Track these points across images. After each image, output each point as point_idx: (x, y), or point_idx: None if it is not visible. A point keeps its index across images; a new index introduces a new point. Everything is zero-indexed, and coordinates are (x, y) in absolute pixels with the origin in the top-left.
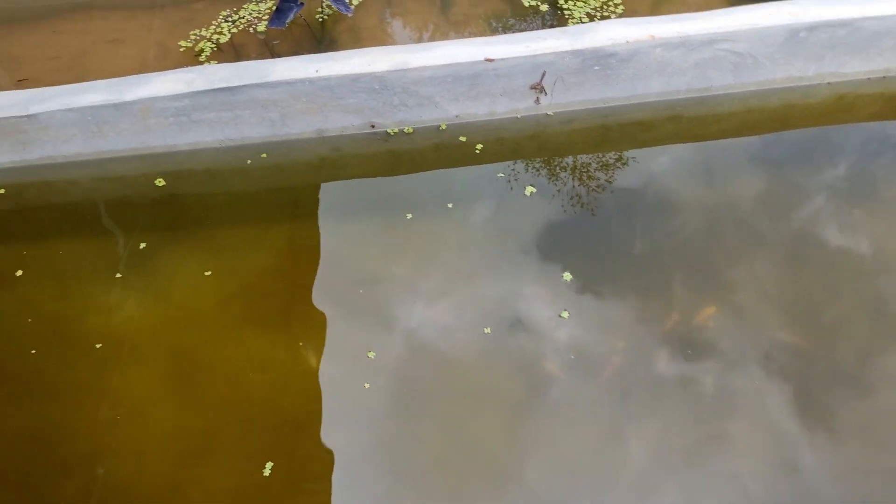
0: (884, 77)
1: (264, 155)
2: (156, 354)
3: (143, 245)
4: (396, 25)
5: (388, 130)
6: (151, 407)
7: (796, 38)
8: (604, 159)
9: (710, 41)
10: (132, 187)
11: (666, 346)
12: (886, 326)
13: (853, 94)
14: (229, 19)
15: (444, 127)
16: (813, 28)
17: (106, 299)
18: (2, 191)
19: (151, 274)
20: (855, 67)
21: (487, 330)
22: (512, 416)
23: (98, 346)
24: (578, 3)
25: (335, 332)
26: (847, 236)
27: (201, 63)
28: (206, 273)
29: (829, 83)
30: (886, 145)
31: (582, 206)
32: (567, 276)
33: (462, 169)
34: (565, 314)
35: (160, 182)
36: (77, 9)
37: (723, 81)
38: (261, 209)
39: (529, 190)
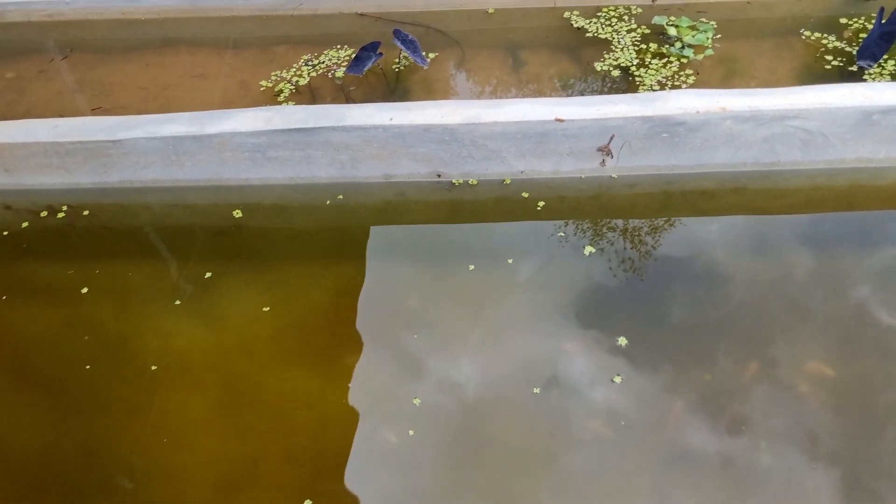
0: None
1: (339, 196)
2: (207, 381)
3: (207, 274)
4: (468, 80)
5: (454, 181)
6: (198, 432)
7: (869, 120)
8: (664, 225)
9: (781, 117)
10: (202, 216)
11: (706, 415)
12: None
13: None
14: (310, 63)
15: (508, 181)
16: (887, 112)
17: (165, 323)
18: (85, 212)
19: (211, 301)
20: None
21: (537, 390)
22: (552, 475)
23: (153, 367)
24: (650, 71)
25: (383, 375)
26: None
27: (280, 102)
28: (263, 306)
29: None
30: None
31: (638, 271)
32: (622, 340)
33: (522, 223)
34: (618, 378)
35: (237, 213)
36: (168, 44)
37: (791, 157)
38: (322, 247)
39: (588, 250)
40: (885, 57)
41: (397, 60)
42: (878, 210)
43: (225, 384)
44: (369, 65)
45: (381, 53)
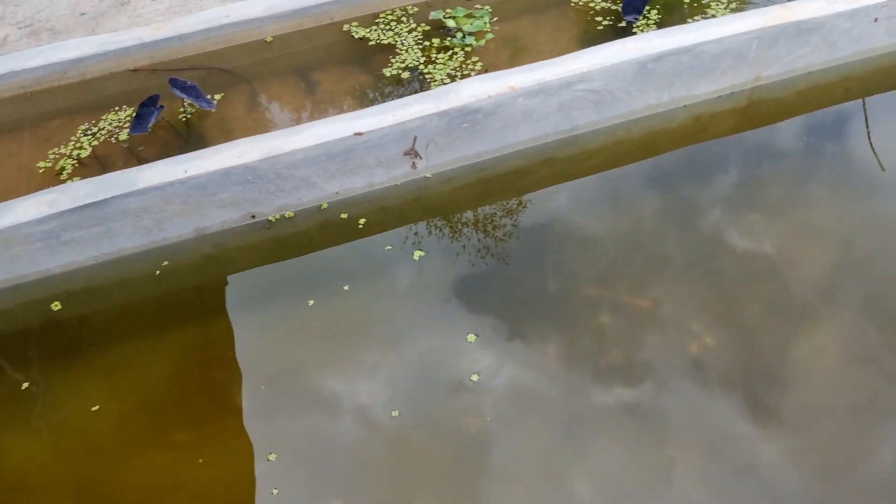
0: (731, 93)
1: (160, 263)
2: (57, 494)
3: (25, 384)
4: (265, 112)
5: (270, 218)
6: None
7: (645, 69)
8: (490, 210)
9: (567, 84)
10: (7, 321)
11: (595, 377)
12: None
13: (708, 113)
14: (89, 132)
15: (325, 206)
16: (659, 58)
17: None
18: None
19: (40, 408)
20: (704, 88)
21: (395, 413)
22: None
23: None
24: (438, 66)
25: (242, 433)
26: (727, 237)
27: (63, 181)
28: (100, 396)
29: (684, 106)
30: (749, 154)
31: (478, 260)
32: (471, 337)
33: (352, 244)
34: (475, 377)
35: (56, 306)
36: None
37: (587, 119)
38: (150, 319)
39: (418, 254)
40: (648, 8)
41: (182, 109)
42: (677, 149)
43: (78, 489)
44: (153, 120)
45: (162, 106)
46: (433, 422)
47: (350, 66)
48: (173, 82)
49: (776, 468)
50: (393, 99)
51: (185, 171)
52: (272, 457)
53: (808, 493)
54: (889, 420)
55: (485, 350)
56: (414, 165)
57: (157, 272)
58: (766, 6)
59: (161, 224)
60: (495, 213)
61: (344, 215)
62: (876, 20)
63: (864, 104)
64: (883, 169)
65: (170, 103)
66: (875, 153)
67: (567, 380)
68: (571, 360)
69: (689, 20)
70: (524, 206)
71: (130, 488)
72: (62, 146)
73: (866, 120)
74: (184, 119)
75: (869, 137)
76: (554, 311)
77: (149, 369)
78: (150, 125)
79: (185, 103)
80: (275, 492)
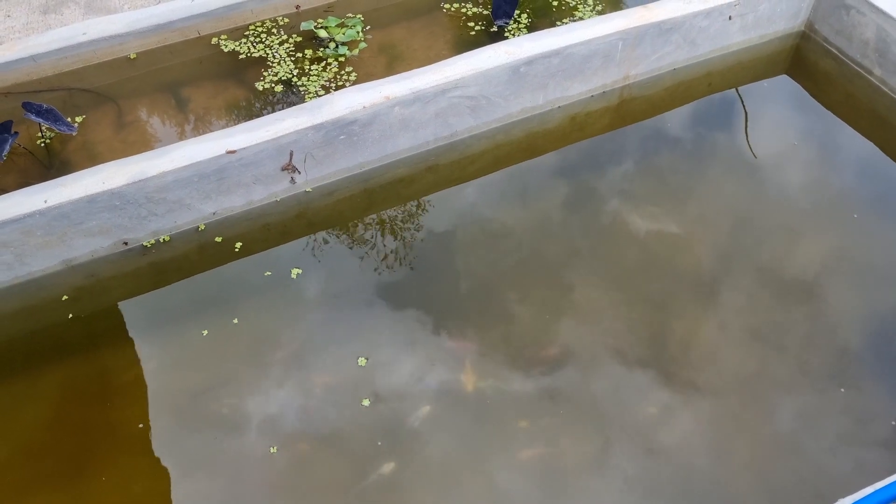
0: (603, 93)
1: (10, 301)
2: None
3: None
4: (132, 133)
5: (144, 244)
6: None
7: (518, 73)
8: (377, 219)
9: (442, 91)
10: None
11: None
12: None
13: (583, 113)
14: None
15: (202, 227)
16: (530, 62)
17: None
18: None
19: None
20: (577, 89)
21: (274, 450)
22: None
23: None
24: (312, 78)
25: (137, 468)
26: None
27: None
28: None
29: (559, 107)
30: (625, 149)
31: (369, 271)
32: (362, 361)
33: (234, 263)
34: (366, 402)
35: None
36: None
37: (465, 125)
38: (23, 359)
39: (296, 272)
40: (518, 12)
41: (40, 135)
42: (556, 149)
43: None
44: (6, 148)
45: (16, 133)
46: (322, 447)
47: (221, 80)
48: (27, 106)
49: (678, 434)
50: (267, 113)
51: (45, 201)
52: (162, 484)
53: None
54: (777, 389)
55: (376, 372)
56: (293, 181)
57: (27, 308)
58: (633, 8)
59: (23, 258)
60: (382, 222)
61: (219, 238)
62: (730, 18)
63: (739, 95)
64: (755, 156)
65: (27, 128)
66: (748, 140)
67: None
68: (472, 369)
69: (557, 23)
70: (411, 214)
71: None
72: None
73: (745, 110)
74: (42, 144)
75: (746, 127)
76: (450, 320)
77: (21, 412)
78: (5, 153)
79: (42, 128)
80: None
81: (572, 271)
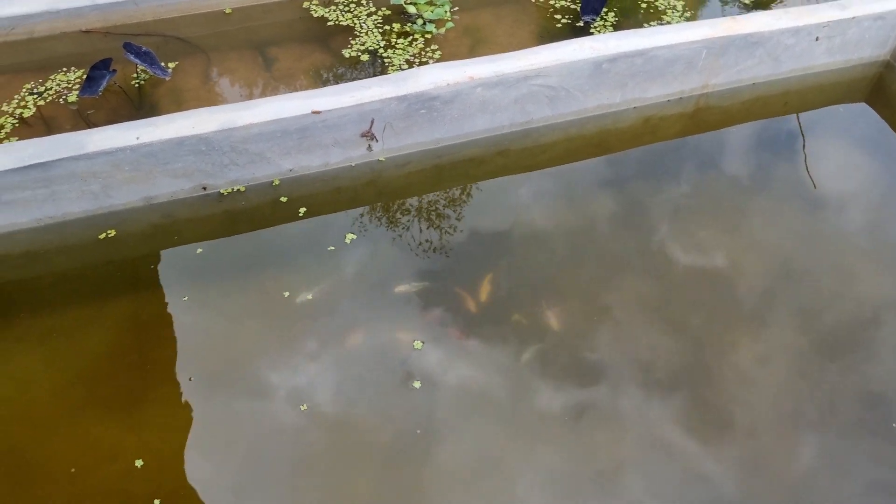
0: (680, 98)
1: (104, 229)
2: None
3: None
4: (220, 85)
5: (222, 191)
6: None
7: (600, 69)
8: (443, 196)
9: (524, 78)
10: None
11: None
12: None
13: (657, 116)
14: (34, 91)
15: (277, 182)
16: (613, 59)
17: None
18: None
19: None
20: (655, 92)
21: (304, 407)
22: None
23: None
24: (398, 52)
25: (186, 406)
26: (667, 239)
27: (1, 140)
28: (36, 363)
29: (635, 108)
30: (690, 157)
31: (428, 245)
32: (418, 344)
33: (304, 222)
34: (417, 384)
35: None
36: None
37: (542, 114)
38: (92, 286)
39: (365, 236)
40: (605, 10)
41: (136, 75)
42: (626, 149)
43: (12, 462)
44: (104, 84)
45: (114, 70)
46: (368, 417)
47: (309, 44)
48: (128, 47)
49: (710, 466)
50: (350, 80)
51: (138, 138)
52: (205, 432)
53: (736, 490)
54: (811, 428)
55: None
56: (370, 148)
57: (102, 239)
58: (721, 18)
59: (109, 190)
60: (449, 200)
61: (299, 191)
62: (817, 39)
63: (798, 121)
64: (815, 186)
65: (122, 68)
66: (808, 170)
67: (514, 377)
68: (516, 358)
69: (644, 25)
70: (477, 194)
71: (61, 458)
72: (4, 104)
73: (803, 138)
74: (136, 85)
75: (804, 154)
76: (502, 313)
77: (85, 338)
78: (101, 89)
79: (138, 69)
80: (204, 464)
81: (612, 282)
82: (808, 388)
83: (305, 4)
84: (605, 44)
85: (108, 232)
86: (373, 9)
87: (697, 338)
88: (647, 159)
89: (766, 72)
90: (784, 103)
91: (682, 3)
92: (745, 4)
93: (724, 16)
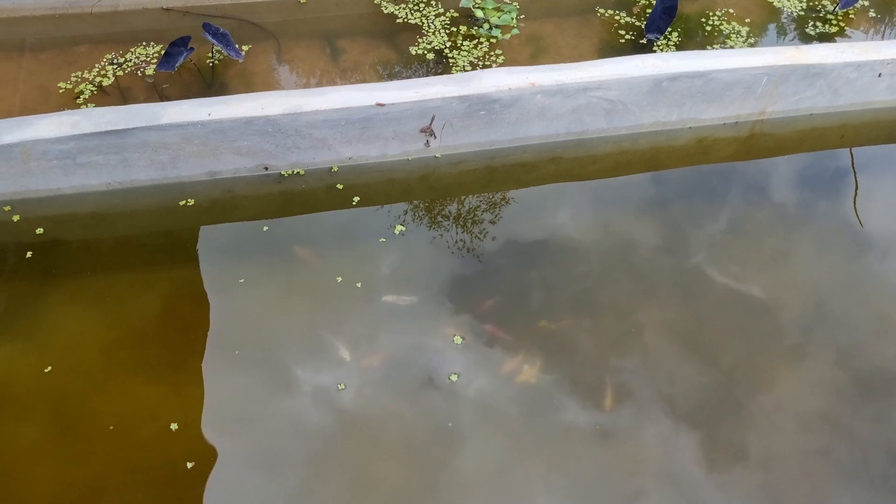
0: (736, 122)
1: (154, 198)
2: (37, 409)
3: (23, 292)
4: (287, 71)
5: (282, 172)
6: (34, 464)
7: (660, 87)
8: (492, 198)
9: (584, 89)
10: (11, 233)
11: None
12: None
13: (711, 138)
14: (115, 62)
15: (335, 169)
16: (674, 78)
17: None
18: None
19: (31, 322)
20: (712, 114)
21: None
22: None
23: None
24: (462, 53)
25: (228, 379)
26: (707, 261)
27: (79, 105)
28: (89, 321)
29: (690, 128)
30: (739, 183)
31: (470, 246)
32: (458, 340)
33: (356, 210)
34: (455, 377)
35: (40, 230)
36: None
37: (597, 125)
38: (149, 253)
39: (415, 229)
40: (669, 29)
41: (210, 55)
42: (676, 168)
43: (58, 407)
44: (181, 60)
45: (192, 48)
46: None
47: (377, 38)
48: (207, 27)
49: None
50: (414, 77)
51: (209, 114)
52: (246, 401)
53: None
54: (840, 477)
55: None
56: (427, 144)
57: (165, 208)
58: (785, 46)
59: (176, 162)
60: (498, 201)
61: (354, 180)
62: (880, 75)
63: (851, 157)
64: (861, 225)
65: (199, 47)
66: (856, 208)
67: (543, 392)
68: (550, 369)
69: (707, 47)
70: (526, 199)
71: (105, 413)
72: (85, 71)
73: (854, 174)
74: (210, 64)
75: (855, 191)
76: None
77: (138, 301)
78: (178, 65)
79: (213, 49)
80: (245, 430)
81: (645, 300)
82: (837, 432)
83: (377, 0)
84: (667, 62)
85: (171, 202)
86: (441, 10)
87: (724, 367)
88: (697, 179)
89: (824, 103)
90: (840, 136)
91: (748, 28)
92: (809, 35)
93: (788, 45)
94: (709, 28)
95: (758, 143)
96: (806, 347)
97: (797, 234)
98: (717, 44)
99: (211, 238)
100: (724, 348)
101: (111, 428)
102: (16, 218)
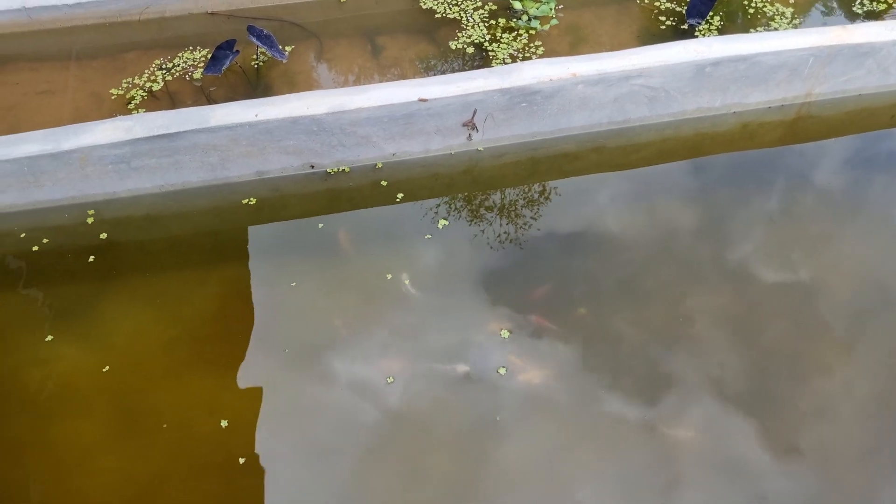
0: (781, 106)
1: (205, 199)
2: (99, 404)
3: (83, 293)
4: (329, 70)
5: (328, 170)
6: (98, 457)
7: (703, 72)
8: (535, 190)
9: (626, 77)
10: (70, 237)
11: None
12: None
13: (756, 122)
14: (163, 67)
15: (380, 165)
16: (717, 63)
17: (46, 351)
18: None
19: (91, 323)
20: (756, 98)
21: (390, 379)
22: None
23: (38, 399)
24: (502, 45)
25: (281, 374)
26: (756, 248)
27: (131, 110)
28: (148, 321)
29: (734, 112)
30: (786, 167)
31: (514, 237)
32: (505, 333)
33: (400, 206)
34: (503, 370)
35: (104, 236)
36: (7, 61)
37: (639, 114)
38: (202, 253)
39: (458, 223)
40: (711, 14)
41: (255, 57)
42: (720, 153)
43: (118, 403)
44: (227, 63)
45: (237, 51)
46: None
47: (417, 34)
48: (251, 29)
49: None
50: (454, 71)
51: (256, 115)
52: (298, 394)
53: None
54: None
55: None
56: (469, 137)
57: (216, 208)
58: (831, 26)
59: (226, 163)
60: (541, 192)
61: (398, 175)
62: None
63: None
64: None
65: (244, 49)
66: None
67: (582, 383)
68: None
69: (750, 30)
70: (569, 189)
71: (164, 408)
72: (136, 77)
73: None
74: (255, 66)
75: None
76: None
77: (194, 300)
78: (224, 68)
79: (258, 51)
80: (288, 429)
81: (690, 287)
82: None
83: None
84: (709, 47)
85: (222, 202)
86: (480, 3)
87: (772, 354)
88: (742, 165)
89: (874, 83)
90: (891, 116)
91: (792, 9)
92: (856, 14)
93: (834, 24)
94: (751, 10)
95: (805, 126)
96: (861, 334)
97: (848, 219)
98: (760, 26)
99: (260, 236)
100: (775, 336)
101: (165, 425)
102: (90, 220)
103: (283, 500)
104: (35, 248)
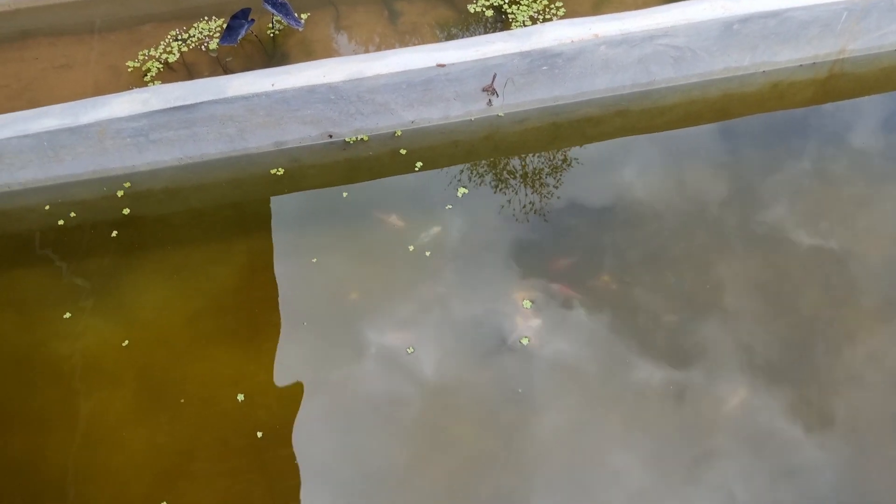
0: (813, 63)
1: (224, 171)
2: (125, 377)
3: (106, 266)
4: (347, 37)
5: (346, 139)
6: (124, 430)
7: (730, 30)
8: (558, 156)
9: (650, 37)
10: (91, 211)
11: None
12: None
13: (787, 82)
14: (179, 38)
15: (399, 133)
16: (745, 20)
17: (70, 324)
18: None
19: (115, 296)
20: (787, 56)
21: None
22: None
23: (64, 372)
24: (522, 7)
25: (304, 346)
26: (789, 212)
27: (147, 83)
28: (170, 293)
29: (763, 72)
30: (819, 128)
31: (537, 205)
32: (527, 303)
33: (420, 174)
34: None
35: (126, 211)
36: (23, 37)
37: (665, 75)
38: (222, 225)
39: (479, 191)
40: None
41: (271, 25)
42: (750, 115)
43: (144, 375)
44: (243, 33)
45: (253, 20)
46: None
47: None
48: None
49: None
50: (473, 35)
51: (272, 85)
52: (321, 366)
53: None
54: None
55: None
56: (490, 103)
57: (235, 180)
58: None
59: (243, 133)
60: (563, 158)
61: (418, 143)
62: None
63: None
64: None
65: (259, 18)
66: None
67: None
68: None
69: None
70: (593, 154)
71: (188, 379)
72: (152, 49)
73: None
74: (271, 35)
75: None
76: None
77: (214, 272)
78: (240, 37)
79: (274, 19)
80: (321, 397)
81: (719, 254)
82: None
83: None
84: (737, 3)
85: (240, 173)
86: None
87: (803, 322)
88: (772, 126)
89: None
90: None
91: None
92: None
93: None
94: None
95: (838, 84)
96: (889, 299)
97: (885, 182)
98: None
99: (279, 207)
100: (808, 303)
101: (182, 401)
102: (111, 194)
103: (307, 472)
104: (61, 223)
